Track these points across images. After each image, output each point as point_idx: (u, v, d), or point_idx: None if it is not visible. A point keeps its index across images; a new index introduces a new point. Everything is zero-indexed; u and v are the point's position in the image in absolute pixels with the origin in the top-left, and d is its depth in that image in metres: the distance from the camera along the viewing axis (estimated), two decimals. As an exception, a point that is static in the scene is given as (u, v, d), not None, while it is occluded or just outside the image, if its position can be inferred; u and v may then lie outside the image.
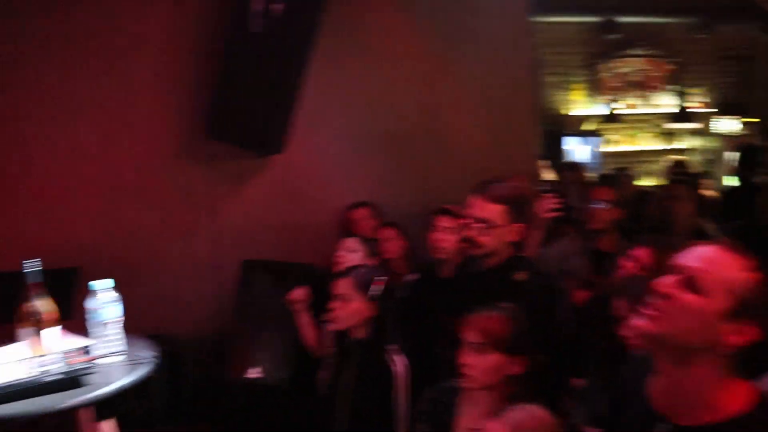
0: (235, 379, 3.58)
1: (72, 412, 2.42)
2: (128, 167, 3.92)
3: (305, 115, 3.76)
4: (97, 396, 1.87)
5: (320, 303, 3.11)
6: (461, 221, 2.50)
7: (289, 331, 3.36)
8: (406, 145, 4.06)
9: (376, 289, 2.53)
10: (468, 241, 2.39)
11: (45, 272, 3.70)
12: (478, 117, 4.24)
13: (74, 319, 2.33)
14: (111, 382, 1.93)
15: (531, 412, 1.73)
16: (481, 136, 4.22)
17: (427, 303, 2.81)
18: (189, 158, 3.89)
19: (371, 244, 3.21)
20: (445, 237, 3.01)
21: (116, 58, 3.85)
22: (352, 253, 3.10)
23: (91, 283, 2.09)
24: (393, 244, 3.49)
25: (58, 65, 3.86)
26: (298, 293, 3.10)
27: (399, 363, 2.48)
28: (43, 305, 2.11)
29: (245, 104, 3.47)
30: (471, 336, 1.97)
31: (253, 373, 3.52)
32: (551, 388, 2.18)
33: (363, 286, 2.54)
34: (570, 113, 8.69)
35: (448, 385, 2.14)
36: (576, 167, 6.15)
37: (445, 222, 3.04)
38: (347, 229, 3.81)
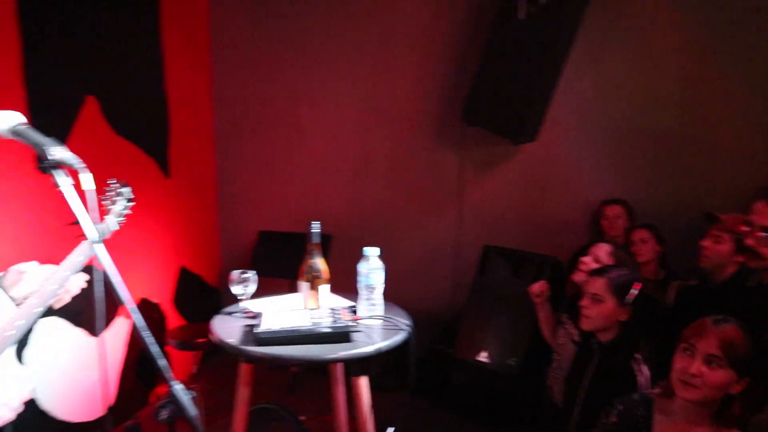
0: (462, 361, 3.64)
1: (328, 364, 2.67)
2: (383, 147, 4.18)
3: (561, 105, 3.69)
4: (360, 353, 2.02)
5: (556, 296, 3.05)
6: (740, 228, 2.26)
7: (522, 321, 3.34)
8: (666, 143, 3.78)
9: (632, 293, 2.40)
10: (748, 251, 2.16)
11: (304, 236, 4.12)
12: (751, 116, 3.80)
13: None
14: (372, 343, 2.07)
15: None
16: (754, 137, 3.79)
17: (693, 314, 2.61)
18: (442, 142, 4.03)
19: (622, 253, 2.98)
20: (714, 245, 2.75)
21: (381, 42, 4.10)
22: (596, 264, 2.90)
23: (365, 249, 2.25)
24: (647, 247, 3.29)
25: (325, 51, 4.22)
26: (539, 286, 3.04)
27: (643, 373, 2.34)
28: (320, 263, 2.33)
29: (504, 91, 3.49)
30: (710, 347, 1.81)
31: (481, 357, 3.55)
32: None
33: (618, 289, 2.43)
34: None
35: (639, 397, 2.03)
36: None
37: (714, 229, 2.78)
38: (597, 226, 3.67)
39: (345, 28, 4.15)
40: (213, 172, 4.58)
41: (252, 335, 2.09)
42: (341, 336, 2.05)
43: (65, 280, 1.70)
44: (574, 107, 3.79)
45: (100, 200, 2.03)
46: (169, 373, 1.48)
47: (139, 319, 1.46)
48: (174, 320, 4.08)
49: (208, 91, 4.49)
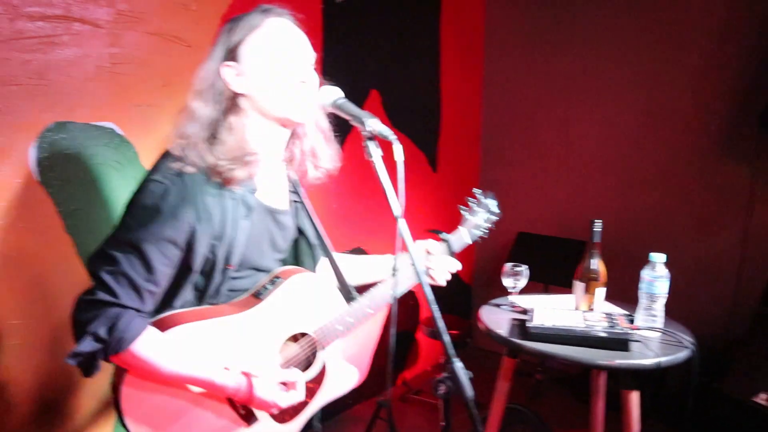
0: (732, 399, 3.24)
1: (598, 371, 2.53)
2: (658, 152, 3.87)
3: None
4: (638, 365, 1.88)
5: None
6: None
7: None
8: None
9: None
10: None
11: (564, 241, 3.99)
12: None
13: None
14: (651, 356, 1.91)
15: None
16: None
17: None
18: (730, 150, 3.61)
19: None
20: None
21: (662, 42, 3.80)
22: None
23: (652, 255, 2.09)
24: None
25: (601, 54, 4.03)
26: None
27: None
28: (598, 265, 2.21)
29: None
30: None
31: (760, 399, 3.14)
32: None
33: None
34: None
35: None
36: None
37: None
38: None
39: (624, 30, 3.92)
40: (476, 170, 4.65)
41: (522, 329, 2.05)
42: (618, 343, 1.93)
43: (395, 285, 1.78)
44: None
45: (458, 209, 1.98)
46: (451, 350, 1.49)
47: (429, 292, 1.50)
48: (426, 310, 4.21)
49: (478, 90, 4.57)
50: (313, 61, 1.62)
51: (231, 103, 1.49)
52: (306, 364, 1.68)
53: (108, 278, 1.34)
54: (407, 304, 4.06)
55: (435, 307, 1.48)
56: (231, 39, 1.51)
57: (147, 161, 2.54)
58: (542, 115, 4.32)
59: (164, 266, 1.40)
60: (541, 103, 4.32)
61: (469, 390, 1.47)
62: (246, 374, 1.48)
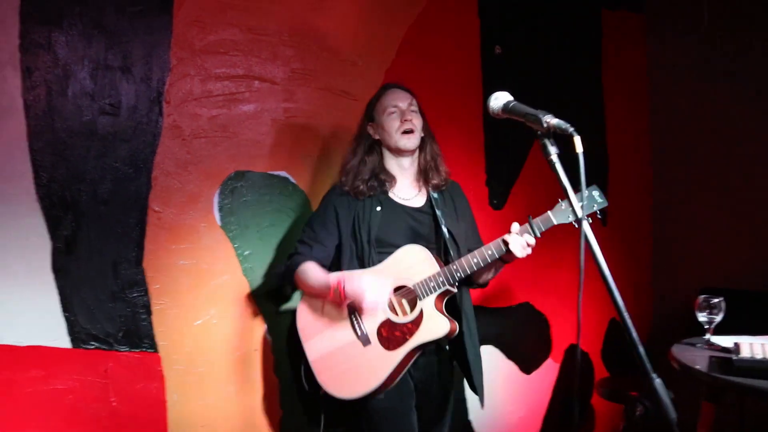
0: None
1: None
2: None
3: None
4: None
5: None
6: None
7: None
8: None
9: None
10: None
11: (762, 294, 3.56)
12: None
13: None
14: None
15: None
16: None
17: None
18: None
19: None
20: None
21: None
22: None
23: None
24: None
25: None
26: None
27: None
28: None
29: None
30: None
31: None
32: None
33: None
34: None
35: None
36: None
37: None
38: None
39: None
40: (648, 224, 4.32)
41: (725, 365, 1.81)
42: None
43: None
44: None
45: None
46: (648, 365, 1.34)
47: (619, 300, 1.37)
48: (600, 371, 3.90)
49: (646, 138, 4.29)
50: (415, 107, 2.29)
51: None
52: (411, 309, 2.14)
53: (297, 244, 2.27)
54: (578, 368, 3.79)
55: (627, 316, 1.34)
56: (370, 108, 2.32)
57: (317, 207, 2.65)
58: (724, 160, 3.91)
59: (324, 231, 2.25)
60: (721, 144, 3.90)
61: (672, 411, 1.29)
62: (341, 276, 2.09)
